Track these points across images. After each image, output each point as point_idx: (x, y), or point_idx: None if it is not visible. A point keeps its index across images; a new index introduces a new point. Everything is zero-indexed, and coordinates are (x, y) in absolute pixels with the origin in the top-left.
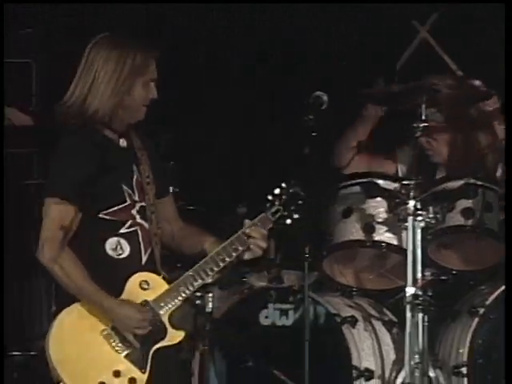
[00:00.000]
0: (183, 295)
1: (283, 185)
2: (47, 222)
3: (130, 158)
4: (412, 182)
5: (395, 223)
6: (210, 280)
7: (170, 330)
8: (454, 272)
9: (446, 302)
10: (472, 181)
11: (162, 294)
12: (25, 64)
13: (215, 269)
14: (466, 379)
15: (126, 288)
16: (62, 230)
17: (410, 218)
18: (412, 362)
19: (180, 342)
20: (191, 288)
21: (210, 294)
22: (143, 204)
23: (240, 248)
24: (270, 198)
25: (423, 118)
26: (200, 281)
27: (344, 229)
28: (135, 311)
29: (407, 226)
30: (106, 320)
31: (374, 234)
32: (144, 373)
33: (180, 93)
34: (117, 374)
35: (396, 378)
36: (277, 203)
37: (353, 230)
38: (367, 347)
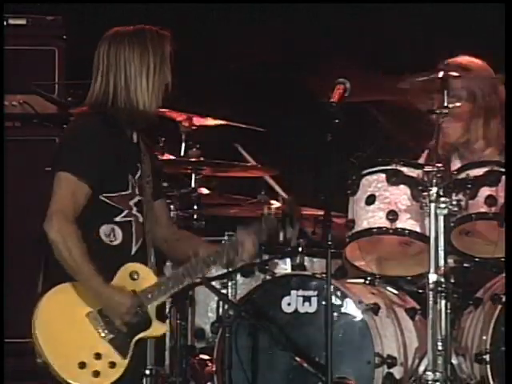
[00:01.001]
0: (172, 291)
1: (280, 200)
2: (59, 194)
3: (137, 155)
4: (435, 169)
5: (418, 210)
6: (197, 280)
7: (154, 322)
8: (477, 259)
9: (469, 289)
10: (495, 168)
11: (151, 286)
12: (48, 51)
13: (205, 270)
14: (488, 366)
15: (116, 276)
16: (73, 204)
17: (433, 205)
18: (435, 350)
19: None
20: (180, 285)
21: (233, 282)
22: (141, 198)
23: (231, 254)
24: (266, 212)
25: (445, 104)
26: (189, 279)
27: (367, 216)
28: (127, 298)
29: (430, 214)
30: (94, 302)
31: (397, 222)
32: (125, 359)
33: (180, 93)
34: (98, 356)
35: (419, 365)
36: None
37: (376, 218)
38: (390, 334)
